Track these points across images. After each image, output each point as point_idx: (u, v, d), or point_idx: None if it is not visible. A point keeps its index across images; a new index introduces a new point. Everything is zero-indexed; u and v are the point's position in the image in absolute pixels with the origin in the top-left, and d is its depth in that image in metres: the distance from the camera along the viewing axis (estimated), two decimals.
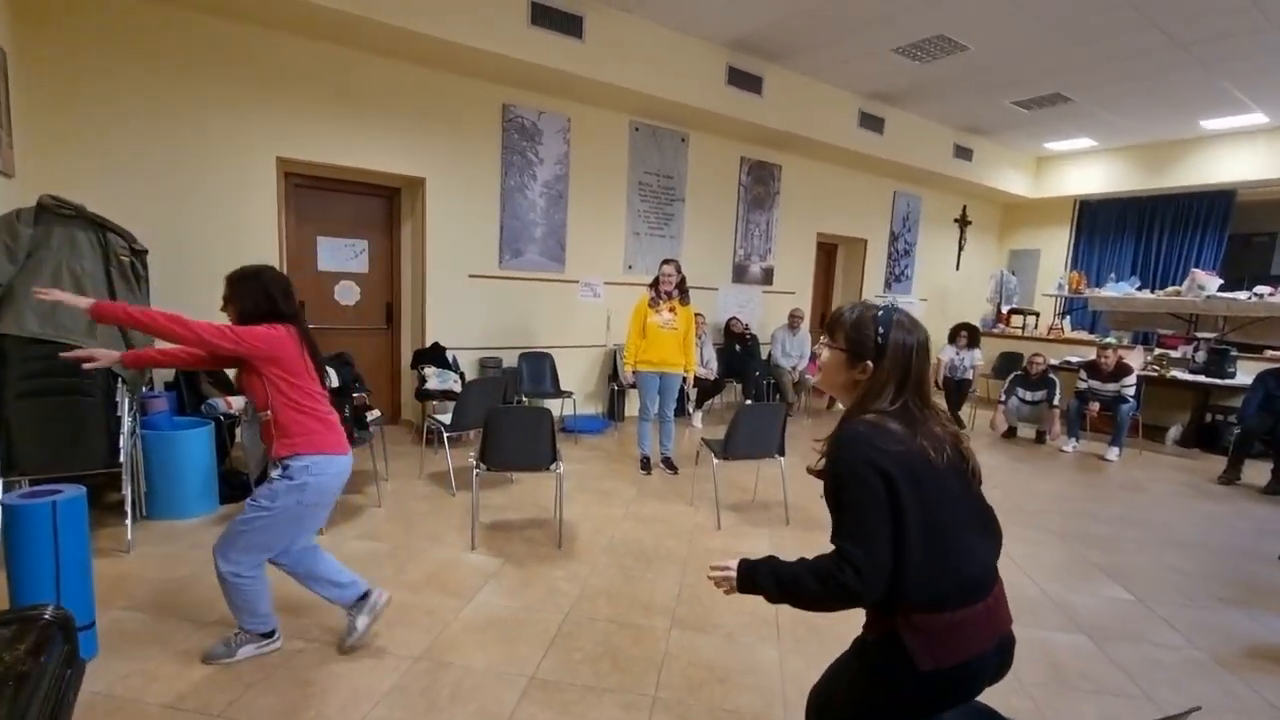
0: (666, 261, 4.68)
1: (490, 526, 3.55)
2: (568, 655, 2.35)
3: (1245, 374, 6.05)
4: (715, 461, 3.79)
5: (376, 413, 4.22)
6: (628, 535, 3.56)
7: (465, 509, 3.70)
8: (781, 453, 3.86)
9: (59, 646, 1.11)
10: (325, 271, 5.33)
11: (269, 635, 2.24)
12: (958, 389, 7.03)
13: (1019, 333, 9.01)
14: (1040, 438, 6.54)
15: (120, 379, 3.02)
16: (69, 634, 1.15)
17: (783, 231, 7.84)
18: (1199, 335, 7.08)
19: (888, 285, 9.25)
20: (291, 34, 4.52)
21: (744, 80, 6.18)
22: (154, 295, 3.65)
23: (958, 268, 10.21)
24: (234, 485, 3.70)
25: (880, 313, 1.29)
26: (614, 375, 6.47)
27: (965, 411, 7.10)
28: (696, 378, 6.04)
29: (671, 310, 4.61)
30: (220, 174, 4.42)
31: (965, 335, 7.09)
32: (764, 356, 7.42)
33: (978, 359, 7.07)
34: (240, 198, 4.52)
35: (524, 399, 5.64)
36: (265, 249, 4.66)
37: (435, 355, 5.21)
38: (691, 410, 6.65)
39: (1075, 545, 3.72)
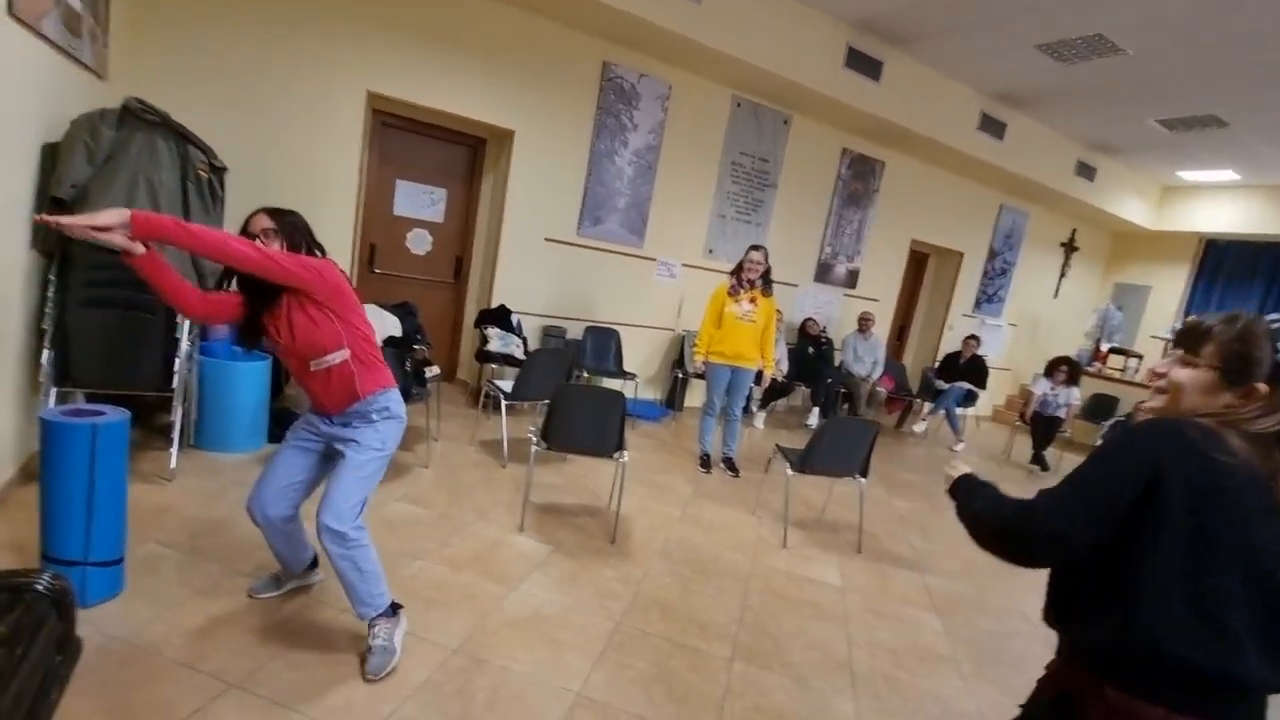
0: (755, 247, 4.32)
1: (541, 508, 3.31)
2: (619, 672, 2.09)
3: None
4: (790, 473, 3.45)
5: (436, 369, 4.03)
6: (685, 539, 3.27)
7: (516, 484, 3.47)
8: (864, 474, 3.49)
9: (49, 624, 0.87)
10: (400, 216, 5.17)
11: (397, 607, 1.99)
12: (1046, 426, 6.45)
13: (1117, 374, 8.26)
14: None
15: None
16: (64, 609, 0.92)
17: (875, 233, 7.32)
18: None
19: (977, 304, 8.61)
20: None
21: (863, 63, 5.68)
22: (227, 218, 3.53)
23: (1056, 295, 9.44)
24: (284, 425, 3.55)
25: (1277, 325, 1.02)
26: (679, 362, 6.16)
27: (1051, 453, 6.52)
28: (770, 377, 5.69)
29: (752, 301, 4.26)
30: (308, 101, 4.26)
31: (1065, 370, 6.49)
32: (836, 363, 6.98)
33: (1075, 398, 6.46)
34: (326, 128, 4.36)
35: (585, 375, 5.39)
36: (344, 184, 4.51)
37: (500, 317, 5.00)
38: (755, 409, 6.29)
39: None
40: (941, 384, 6.97)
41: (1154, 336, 8.54)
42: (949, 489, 1.22)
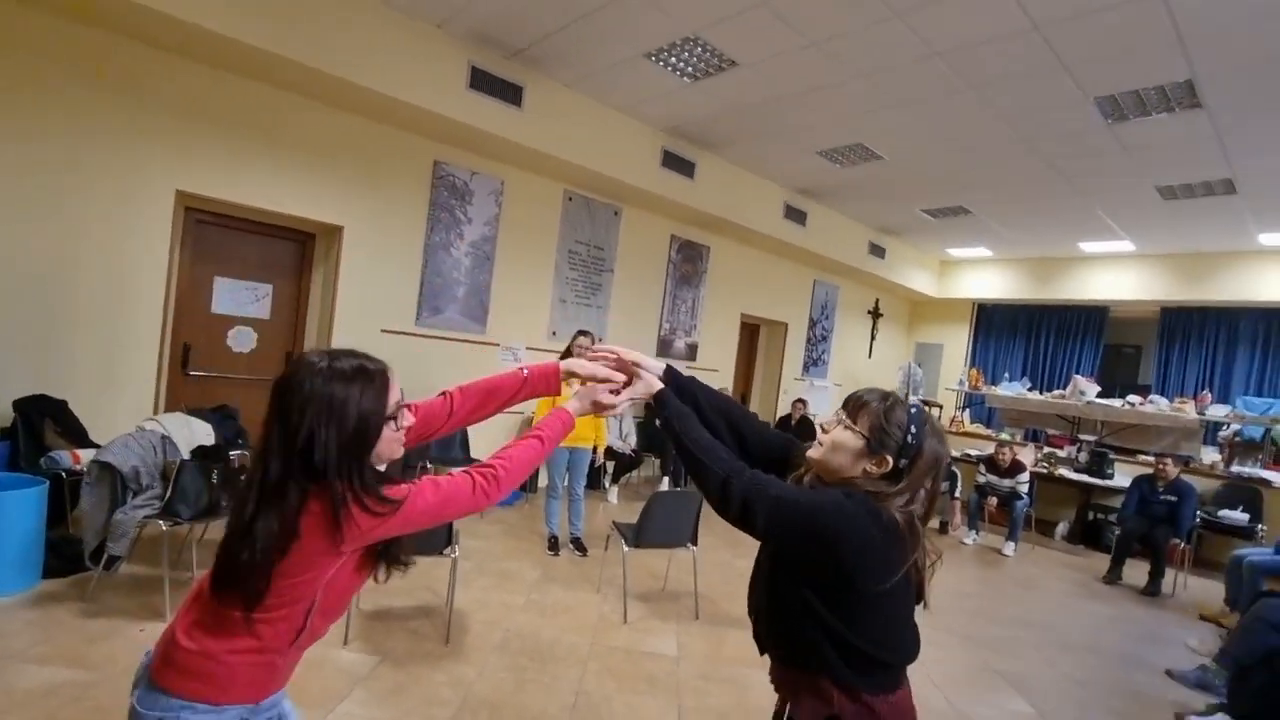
0: (582, 333, 4.58)
1: (371, 615, 3.18)
2: None
3: (1122, 475, 6.49)
4: (626, 549, 3.59)
5: None
6: (525, 628, 3.27)
7: None
8: (694, 542, 3.72)
9: None
10: (220, 314, 4.90)
11: None
12: None
13: None
14: (944, 528, 6.71)
15: None
16: None
17: (708, 309, 7.98)
18: (1081, 437, 7.60)
19: (805, 368, 9.52)
20: (206, 66, 4.26)
21: (677, 164, 6.36)
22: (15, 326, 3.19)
23: (870, 355, 10.68)
24: (65, 556, 3.17)
25: (914, 410, 1.24)
26: None
27: None
28: (610, 450, 5.90)
29: (583, 384, 4.46)
30: (110, 201, 4.01)
31: None
32: None
33: None
34: (130, 229, 4.11)
35: (429, 466, 5.27)
36: (151, 285, 4.24)
37: None
38: (607, 485, 6.44)
39: (978, 650, 3.72)
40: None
41: (947, 389, 9.88)
42: (656, 398, 1.41)
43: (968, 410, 9.71)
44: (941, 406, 9.81)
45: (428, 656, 2.84)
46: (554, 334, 6.44)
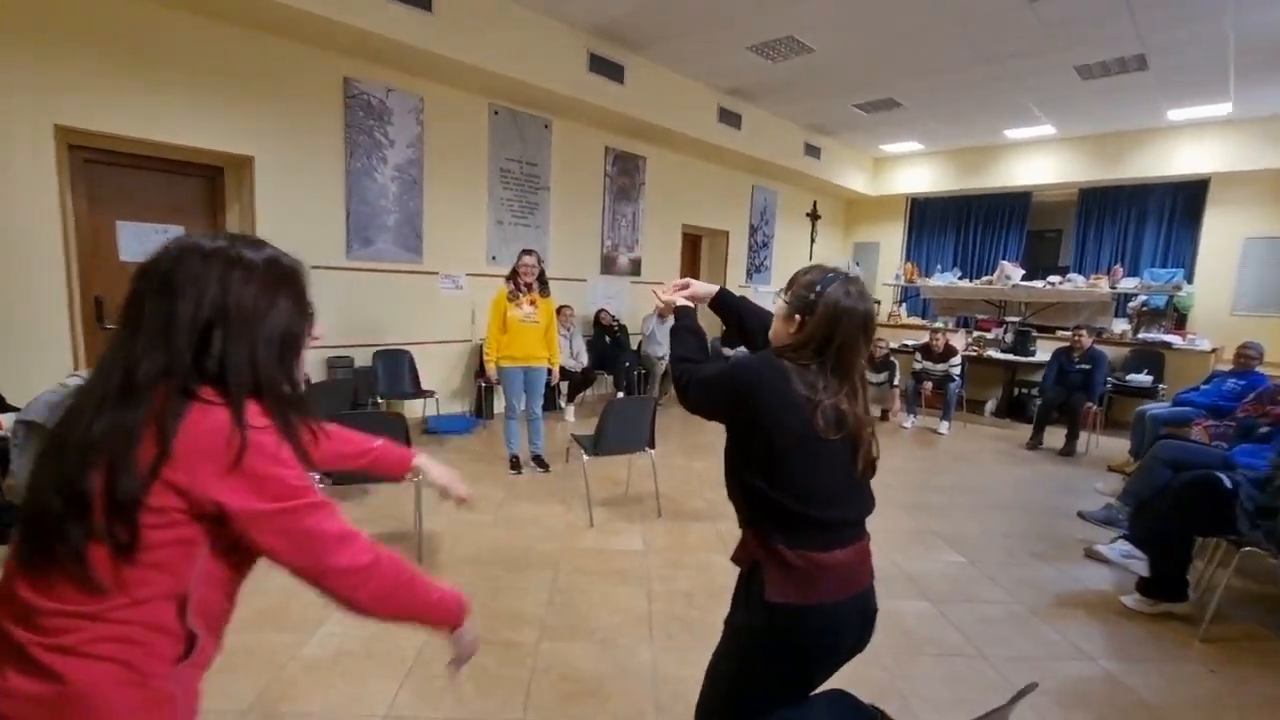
0: (526, 252, 4.49)
1: None
2: (426, 684, 2.16)
3: (1044, 352, 6.95)
4: (585, 458, 3.70)
5: None
6: (497, 542, 3.38)
7: None
8: (652, 445, 3.85)
9: None
10: (130, 262, 4.57)
11: None
12: None
13: None
14: (885, 416, 7.12)
15: None
16: None
17: (649, 223, 7.90)
18: (1007, 319, 8.05)
19: (749, 275, 9.65)
20: None
21: (606, 68, 6.09)
22: None
23: (810, 258, 10.86)
24: (2, 522, 3.05)
25: (830, 274, 1.30)
26: (480, 371, 6.18)
27: None
28: (563, 370, 5.95)
29: (532, 303, 4.43)
30: None
31: None
32: (635, 347, 7.45)
33: None
34: (2, 173, 3.73)
35: (380, 401, 5.22)
36: (45, 235, 3.91)
37: None
38: (564, 405, 6.52)
39: (918, 515, 4.06)
40: (727, 350, 7.75)
41: (885, 284, 10.21)
42: (673, 313, 1.65)
43: (904, 304, 10.11)
44: (880, 302, 10.15)
45: None
46: (494, 258, 6.29)
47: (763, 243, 9.79)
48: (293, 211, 4.91)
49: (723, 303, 1.71)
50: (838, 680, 1.37)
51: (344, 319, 5.32)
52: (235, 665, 2.20)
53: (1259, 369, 4.70)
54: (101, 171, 4.37)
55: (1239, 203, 7.92)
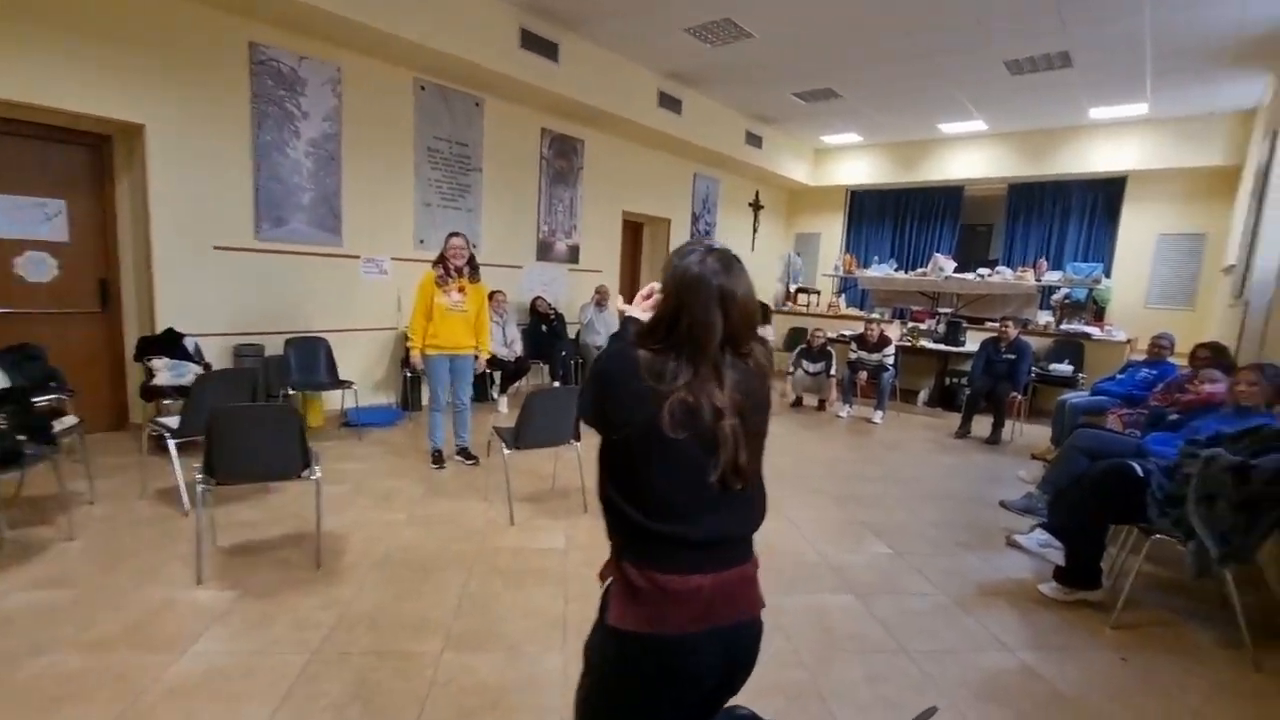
0: (454, 235, 4.24)
1: (231, 551, 2.95)
2: (308, 704, 1.96)
3: (974, 343, 7.12)
4: (507, 452, 3.51)
5: (70, 419, 3.32)
6: (408, 542, 3.16)
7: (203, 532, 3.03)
8: (577, 438, 3.69)
9: None
10: (4, 239, 4.11)
11: None
12: None
13: (805, 310, 9.84)
14: (822, 405, 7.16)
15: None
16: None
17: (588, 209, 7.69)
18: (940, 310, 8.23)
19: None
20: None
21: (539, 45, 5.84)
22: None
23: (753, 249, 10.87)
24: None
25: (696, 246, 1.14)
26: (406, 360, 5.87)
27: None
28: (497, 359, 5.72)
29: (461, 290, 4.19)
30: None
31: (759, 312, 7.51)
32: (572, 336, 7.26)
33: (770, 335, 7.55)
34: None
35: (292, 393, 4.88)
36: None
37: (169, 344, 4.28)
38: (496, 396, 6.29)
39: (848, 506, 4.04)
40: None
41: (824, 275, 10.30)
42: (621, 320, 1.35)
43: (843, 295, 10.23)
44: (819, 293, 10.25)
45: (298, 584, 2.68)
46: (421, 242, 5.98)
47: (705, 231, 9.71)
48: (192, 186, 4.50)
49: None
50: (756, 680, 1.23)
51: (254, 304, 4.94)
52: (89, 692, 1.95)
53: (1170, 359, 4.88)
54: None
55: (1153, 200, 8.28)
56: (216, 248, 4.70)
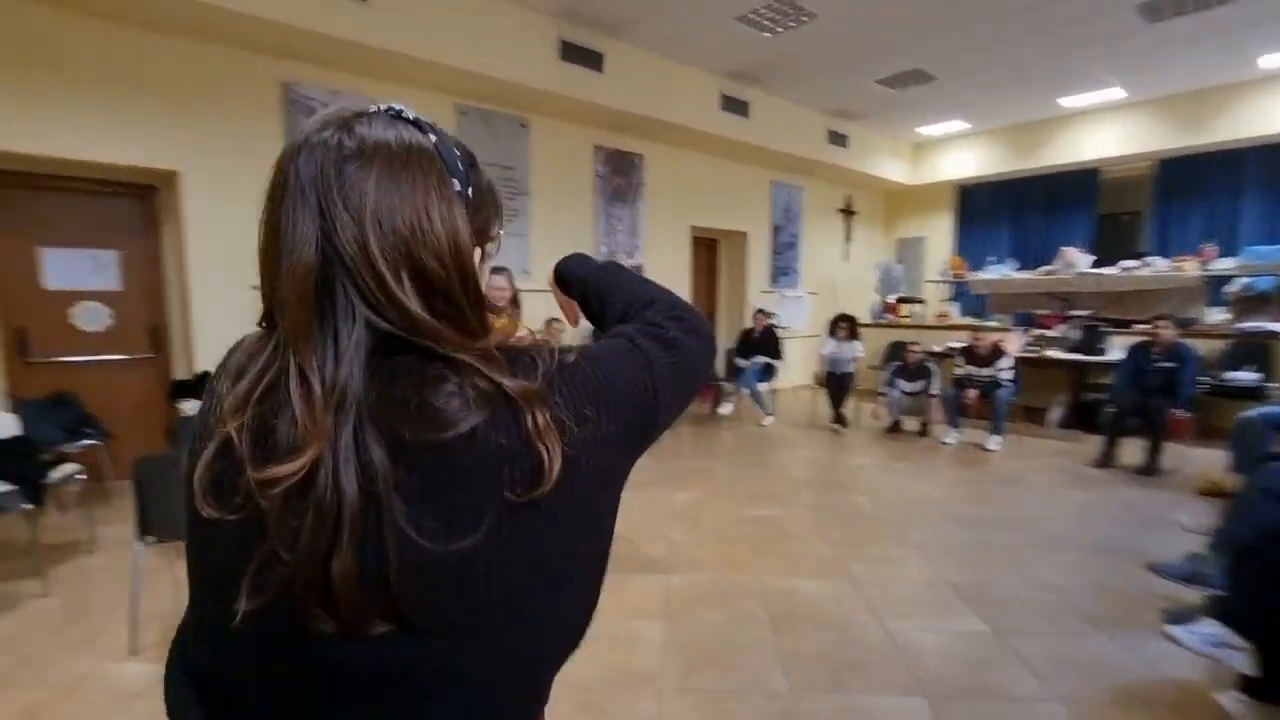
0: (496, 271, 3.89)
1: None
2: None
3: (1119, 350, 5.83)
4: None
5: (70, 468, 3.25)
6: None
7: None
8: None
9: None
10: (56, 290, 4.30)
11: None
12: (840, 383, 6.57)
13: (908, 321, 8.73)
14: (925, 430, 6.15)
15: None
16: None
17: (651, 226, 7.24)
18: (1073, 314, 6.91)
19: (774, 279, 8.81)
20: None
21: (580, 55, 5.53)
22: None
23: (846, 258, 9.92)
24: None
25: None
26: None
27: (850, 406, 6.65)
28: None
29: (500, 330, 3.81)
30: None
31: (845, 327, 6.65)
32: None
33: (858, 351, 6.64)
34: None
35: None
36: None
37: (201, 387, 4.26)
38: None
39: (937, 562, 3.18)
40: (742, 362, 6.97)
41: (929, 281, 9.14)
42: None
43: (956, 303, 8.99)
44: (924, 301, 9.09)
45: None
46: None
47: (788, 243, 8.95)
48: (226, 227, 4.52)
49: (563, 279, 0.86)
50: None
51: None
52: None
53: None
54: (14, 195, 4.10)
55: None
56: (254, 287, 4.68)
